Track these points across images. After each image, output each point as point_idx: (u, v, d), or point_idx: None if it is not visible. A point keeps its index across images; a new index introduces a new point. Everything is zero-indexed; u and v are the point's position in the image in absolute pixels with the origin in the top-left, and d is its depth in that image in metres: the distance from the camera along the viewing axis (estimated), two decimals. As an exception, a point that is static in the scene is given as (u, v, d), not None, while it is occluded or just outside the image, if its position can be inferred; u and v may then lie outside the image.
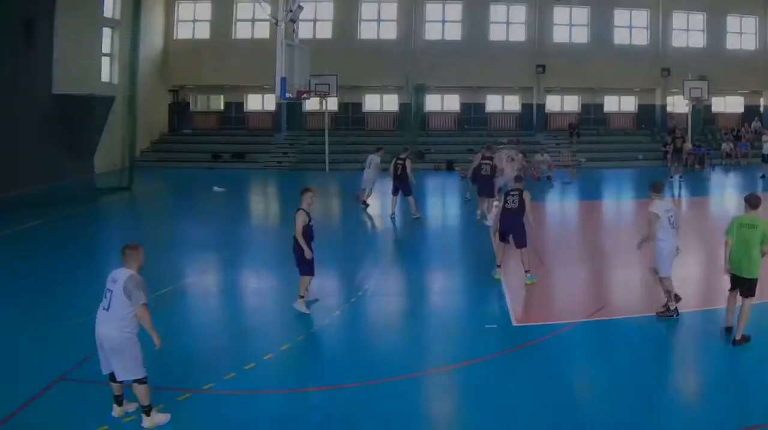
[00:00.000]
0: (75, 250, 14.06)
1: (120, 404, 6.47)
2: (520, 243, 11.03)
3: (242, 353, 8.15)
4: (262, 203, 22.14)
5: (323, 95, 24.73)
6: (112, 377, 6.34)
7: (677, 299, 9.22)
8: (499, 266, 11.30)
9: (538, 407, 6.81)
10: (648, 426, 6.35)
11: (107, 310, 6.18)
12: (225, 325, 9.57)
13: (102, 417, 6.41)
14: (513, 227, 11.04)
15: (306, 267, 9.65)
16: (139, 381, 6.22)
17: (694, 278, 11.84)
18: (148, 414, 6.29)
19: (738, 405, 6.67)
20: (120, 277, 6.17)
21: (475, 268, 12.06)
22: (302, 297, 9.76)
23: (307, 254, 9.50)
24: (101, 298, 6.28)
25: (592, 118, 33.39)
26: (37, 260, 12.86)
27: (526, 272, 11.00)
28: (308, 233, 9.62)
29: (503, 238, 11.22)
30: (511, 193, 11.32)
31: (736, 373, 7.51)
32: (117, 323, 6.13)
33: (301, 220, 9.49)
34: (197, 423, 6.46)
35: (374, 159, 18.49)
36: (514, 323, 9.26)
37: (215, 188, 22.67)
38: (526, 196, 11.13)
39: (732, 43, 32.64)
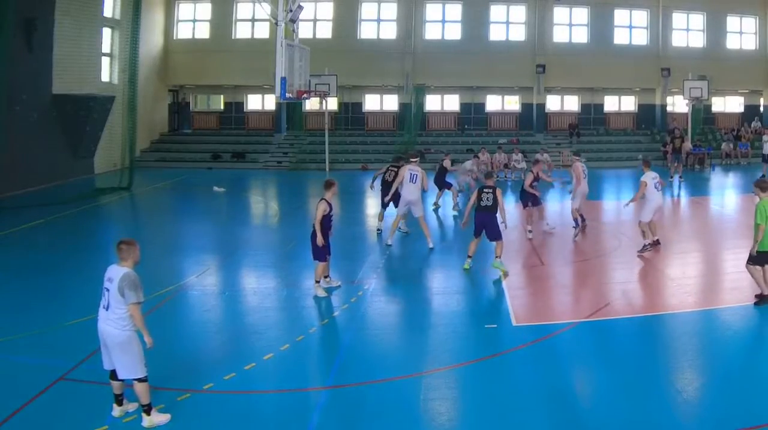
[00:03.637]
0: (75, 250, 14.06)
1: (120, 403, 6.47)
2: (495, 237, 11.60)
3: (242, 353, 8.15)
4: (262, 203, 22.13)
5: (323, 95, 24.73)
6: (112, 375, 6.35)
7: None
8: (470, 257, 11.91)
9: (538, 407, 6.81)
10: (648, 426, 6.35)
11: (107, 309, 6.20)
12: (225, 325, 9.57)
13: (102, 417, 6.41)
14: (487, 223, 11.59)
15: (317, 253, 10.32)
16: (140, 380, 6.23)
17: (694, 277, 11.85)
18: (148, 414, 6.29)
19: (738, 405, 6.67)
20: (115, 275, 6.17)
21: (476, 268, 12.05)
22: (317, 282, 10.50)
23: (319, 240, 10.14)
24: (101, 296, 6.29)
25: (592, 118, 33.38)
26: (36, 260, 12.85)
27: (497, 257, 11.61)
28: (327, 222, 10.32)
29: (477, 233, 11.76)
30: (485, 190, 11.73)
31: (736, 372, 7.51)
32: (116, 322, 6.15)
33: (321, 209, 10.16)
34: (197, 423, 6.46)
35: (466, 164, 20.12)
36: (514, 323, 9.25)
37: (215, 188, 22.67)
38: (499, 193, 11.64)
39: (732, 43, 32.61)
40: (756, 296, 9.57)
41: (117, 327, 6.15)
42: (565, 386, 7.33)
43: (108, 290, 6.19)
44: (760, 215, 9.28)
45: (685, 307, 9.59)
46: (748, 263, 9.58)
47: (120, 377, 6.28)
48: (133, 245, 6.31)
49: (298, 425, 6.46)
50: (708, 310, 9.63)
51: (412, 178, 13.72)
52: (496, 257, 11.61)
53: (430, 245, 13.49)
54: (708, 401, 6.93)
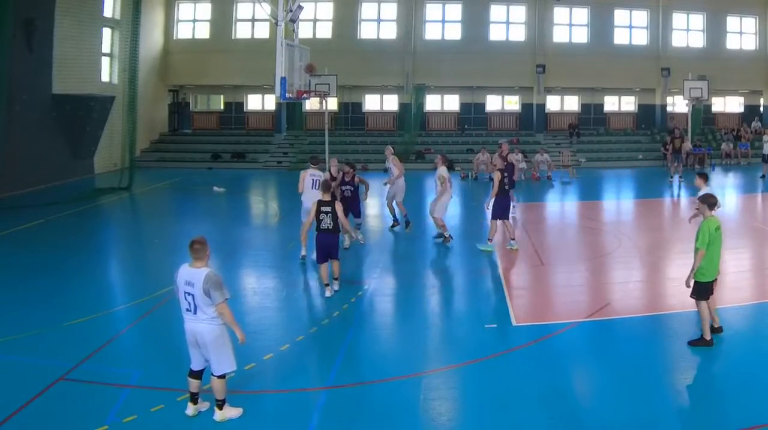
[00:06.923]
0: (75, 250, 14.05)
1: (195, 402, 6.55)
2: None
3: (242, 353, 8.11)
4: (262, 203, 22.13)
5: (323, 95, 24.73)
6: (192, 373, 6.49)
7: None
8: (490, 240, 13.15)
9: (538, 407, 6.81)
10: (648, 426, 6.35)
11: (194, 313, 6.32)
12: (224, 325, 9.54)
13: (102, 417, 6.40)
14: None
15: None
16: (221, 376, 6.37)
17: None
18: (221, 408, 6.44)
19: (738, 405, 6.67)
20: (195, 278, 6.29)
21: (475, 268, 12.04)
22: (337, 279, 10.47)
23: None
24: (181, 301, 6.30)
25: (592, 118, 33.38)
26: (36, 260, 12.85)
27: (489, 240, 13.12)
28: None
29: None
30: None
31: (736, 372, 7.51)
32: (207, 321, 6.30)
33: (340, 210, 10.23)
34: (197, 423, 6.46)
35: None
36: (514, 323, 9.26)
37: (215, 188, 22.67)
38: (497, 176, 12.92)
39: (732, 43, 32.60)
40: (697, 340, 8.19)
41: (211, 323, 6.30)
42: (565, 386, 7.33)
43: (192, 294, 6.29)
44: (702, 238, 7.93)
45: (685, 307, 9.56)
46: (693, 296, 8.19)
47: (216, 373, 6.38)
48: (205, 244, 6.46)
49: (298, 425, 6.47)
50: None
51: (314, 185, 12.20)
52: (489, 239, 13.11)
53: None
54: (707, 401, 6.93)
